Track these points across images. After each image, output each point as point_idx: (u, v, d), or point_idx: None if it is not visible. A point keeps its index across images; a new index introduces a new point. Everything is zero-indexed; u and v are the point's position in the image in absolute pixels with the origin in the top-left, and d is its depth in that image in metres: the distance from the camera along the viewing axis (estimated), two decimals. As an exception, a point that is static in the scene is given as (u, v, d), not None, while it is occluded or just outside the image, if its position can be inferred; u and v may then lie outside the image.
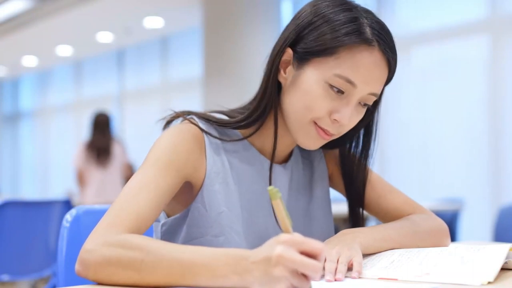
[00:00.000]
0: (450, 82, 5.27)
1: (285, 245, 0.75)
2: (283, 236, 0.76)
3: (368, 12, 1.10)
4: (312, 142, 1.11)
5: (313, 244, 0.76)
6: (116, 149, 5.08)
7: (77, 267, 0.93)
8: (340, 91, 1.06)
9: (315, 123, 1.09)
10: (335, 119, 1.07)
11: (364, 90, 1.07)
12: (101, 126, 5.03)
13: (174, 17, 7.46)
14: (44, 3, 7.30)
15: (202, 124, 1.13)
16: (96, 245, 0.92)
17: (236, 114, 1.17)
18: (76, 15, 7.41)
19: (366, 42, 1.06)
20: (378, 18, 1.11)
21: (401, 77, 5.33)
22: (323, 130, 1.09)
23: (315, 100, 1.07)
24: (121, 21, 7.71)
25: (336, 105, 1.07)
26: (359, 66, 1.05)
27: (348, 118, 1.07)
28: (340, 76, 1.05)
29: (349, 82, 1.06)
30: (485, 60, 5.02)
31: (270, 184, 1.15)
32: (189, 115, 1.16)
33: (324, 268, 0.96)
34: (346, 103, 1.07)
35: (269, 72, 1.12)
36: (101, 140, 5.00)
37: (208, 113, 1.17)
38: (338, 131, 1.10)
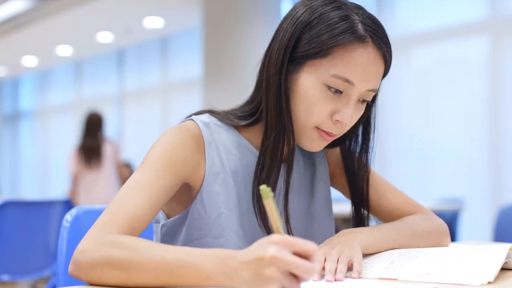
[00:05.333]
0: (450, 82, 5.27)
1: (278, 246, 0.74)
2: (275, 237, 0.75)
3: (358, 8, 1.09)
4: (316, 144, 1.11)
5: (305, 244, 0.75)
6: (107, 150, 5.08)
7: (70, 267, 0.93)
8: (339, 91, 1.06)
9: (317, 127, 1.09)
10: (337, 120, 1.07)
11: (362, 87, 1.06)
12: (91, 126, 5.04)
13: (174, 17, 7.46)
14: (44, 3, 7.30)
15: (201, 125, 1.13)
16: (90, 246, 0.92)
17: (230, 116, 1.17)
18: (76, 15, 7.41)
19: (360, 39, 1.05)
20: (368, 13, 1.10)
21: (401, 77, 5.33)
22: (326, 132, 1.09)
23: (315, 104, 1.06)
24: (121, 21, 7.72)
25: (336, 105, 1.07)
26: (356, 64, 1.05)
27: (350, 117, 1.07)
28: (337, 76, 1.05)
29: (347, 81, 1.05)
30: (485, 60, 5.02)
31: (288, 191, 1.14)
32: (203, 113, 1.16)
33: (324, 268, 0.96)
34: (345, 102, 1.07)
35: (279, 81, 1.08)
36: (90, 142, 5.01)
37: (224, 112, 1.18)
38: (340, 131, 1.10)
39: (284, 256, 0.73)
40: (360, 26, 1.06)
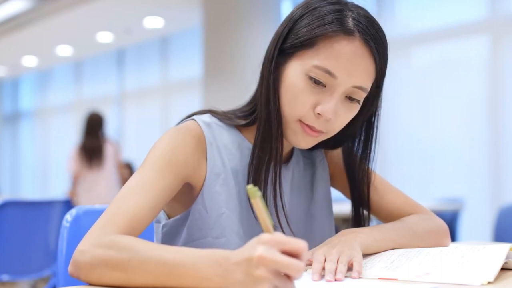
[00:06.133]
0: (450, 82, 5.27)
1: (266, 245, 0.74)
2: (264, 236, 0.75)
3: (358, 8, 1.08)
4: (301, 139, 1.09)
5: (294, 243, 0.74)
6: (108, 150, 5.07)
7: (69, 267, 0.93)
8: (322, 84, 1.04)
9: (300, 121, 1.07)
10: (318, 113, 1.05)
11: (346, 82, 1.04)
12: (92, 126, 5.02)
13: (174, 17, 7.46)
14: (44, 3, 7.30)
15: (203, 125, 1.13)
16: (89, 246, 0.92)
17: (231, 116, 1.17)
18: (76, 15, 7.41)
19: (345, 31, 1.04)
20: (369, 14, 1.08)
21: (401, 77, 5.33)
22: (309, 126, 1.07)
23: (297, 94, 1.05)
24: (121, 21, 7.72)
25: (319, 98, 1.05)
26: (338, 56, 1.03)
27: (332, 111, 1.04)
28: (318, 67, 1.03)
29: (328, 72, 1.03)
30: (485, 60, 5.02)
31: (278, 184, 1.13)
32: (204, 113, 1.16)
33: (324, 268, 0.96)
34: (328, 96, 1.05)
35: (268, 72, 1.09)
36: (91, 142, 5.00)
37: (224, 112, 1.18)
38: (325, 128, 1.07)
39: (272, 255, 0.73)
40: (349, 20, 1.05)
